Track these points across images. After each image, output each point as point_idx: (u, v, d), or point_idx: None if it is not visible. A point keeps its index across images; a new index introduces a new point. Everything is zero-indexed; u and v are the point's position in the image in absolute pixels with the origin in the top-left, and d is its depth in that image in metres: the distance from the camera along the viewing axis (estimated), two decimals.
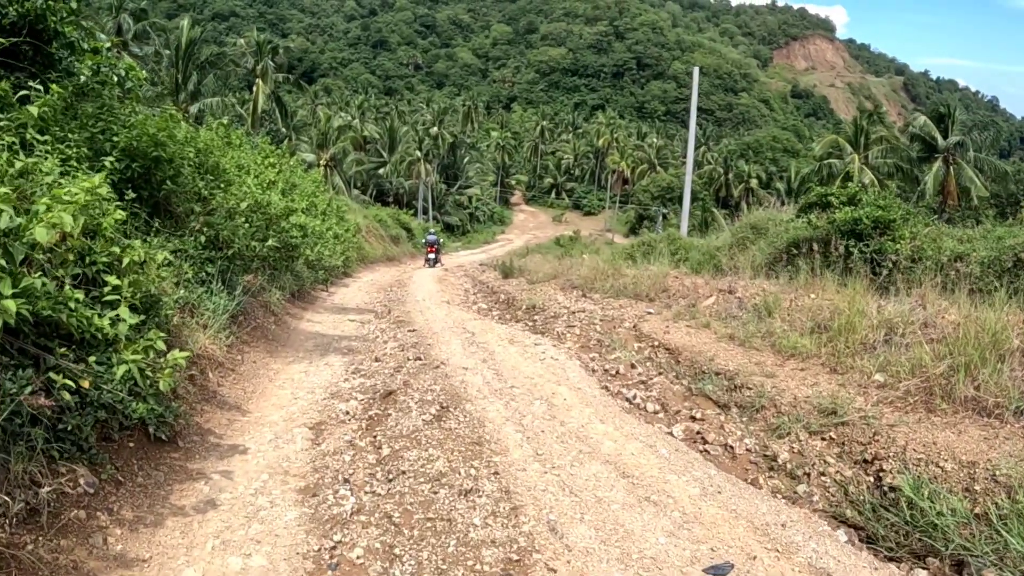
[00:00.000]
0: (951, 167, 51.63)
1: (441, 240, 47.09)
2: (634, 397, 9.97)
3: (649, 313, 15.05)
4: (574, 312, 16.01)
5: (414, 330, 14.88)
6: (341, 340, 14.16)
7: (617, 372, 11.18)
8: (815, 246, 16.86)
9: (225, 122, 21.75)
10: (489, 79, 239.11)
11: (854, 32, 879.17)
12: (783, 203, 28.11)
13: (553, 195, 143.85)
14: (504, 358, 11.98)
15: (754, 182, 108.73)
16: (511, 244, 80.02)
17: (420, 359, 11.76)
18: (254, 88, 68.98)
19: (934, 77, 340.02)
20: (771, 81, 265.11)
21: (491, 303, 21.11)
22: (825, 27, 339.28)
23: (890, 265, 15.10)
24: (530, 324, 16.03)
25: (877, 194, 19.31)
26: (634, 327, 13.74)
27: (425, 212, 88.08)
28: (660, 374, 11.08)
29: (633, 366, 11.43)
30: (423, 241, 46.18)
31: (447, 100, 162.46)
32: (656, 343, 12.37)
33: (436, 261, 40.71)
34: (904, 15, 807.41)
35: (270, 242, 14.31)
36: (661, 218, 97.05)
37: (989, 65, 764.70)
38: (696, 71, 42.01)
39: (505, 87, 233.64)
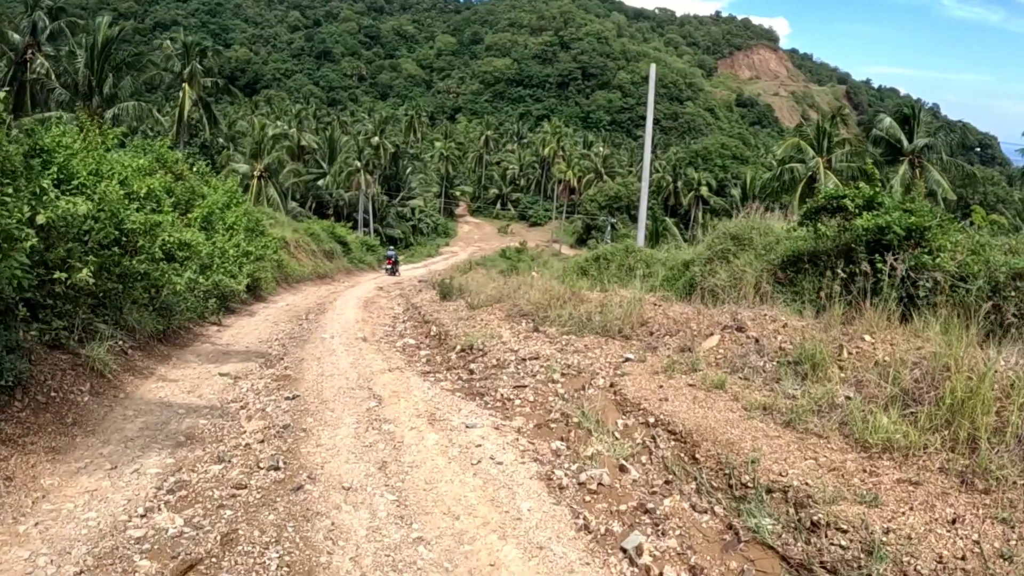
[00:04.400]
0: (917, 169, 48.85)
1: (399, 256, 55.78)
2: (639, 552, 5.65)
3: (628, 360, 10.85)
4: (525, 359, 11.71)
5: (296, 396, 10.46)
6: (187, 416, 9.62)
7: (599, 485, 6.84)
8: (826, 261, 12.99)
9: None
10: (433, 90, 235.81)
11: (797, 42, 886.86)
12: (768, 209, 24.29)
13: (499, 206, 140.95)
14: (416, 460, 7.62)
15: (704, 190, 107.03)
16: (456, 257, 75.83)
17: (278, 467, 7.41)
18: (180, 93, 64.36)
19: (876, 85, 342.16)
20: (716, 90, 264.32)
21: (420, 338, 16.79)
22: (768, 37, 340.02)
23: (930, 285, 11.13)
24: (464, 378, 11.65)
25: (903, 196, 15.60)
26: (611, 386, 9.51)
27: (366, 224, 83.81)
28: (668, 483, 6.87)
29: (623, 468, 7.19)
30: (384, 255, 55.95)
31: (390, 110, 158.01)
32: (652, 419, 8.11)
33: (394, 271, 49.00)
34: (845, 26, 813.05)
35: (83, 272, 9.93)
36: (610, 228, 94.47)
37: (929, 73, 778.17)
38: (653, 68, 38.17)
39: (450, 98, 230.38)
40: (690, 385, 9.09)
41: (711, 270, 16.16)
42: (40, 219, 9.29)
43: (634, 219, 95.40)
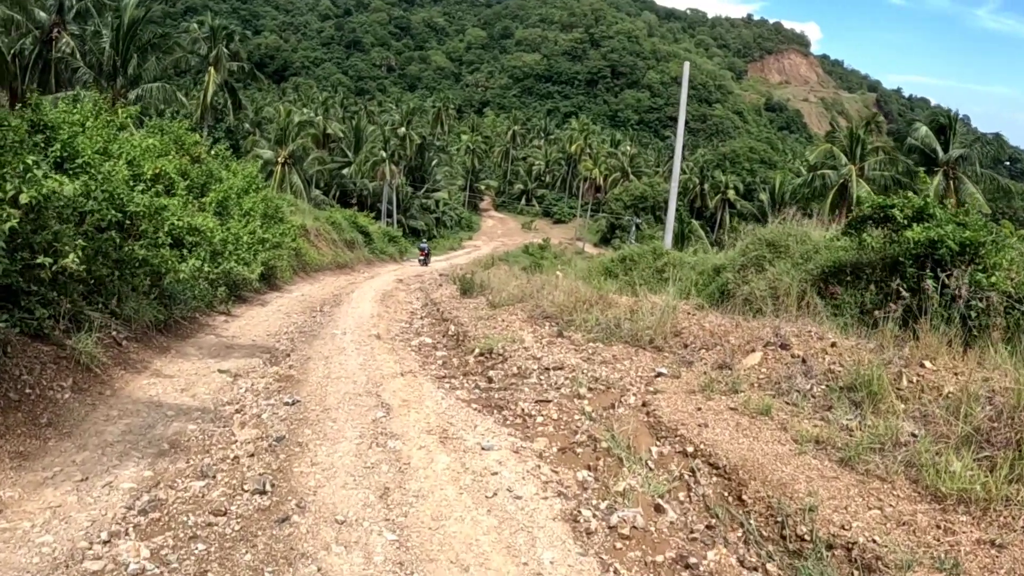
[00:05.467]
0: (951, 181, 47.46)
1: (430, 248, 59.91)
2: None
3: (661, 375, 9.97)
4: (548, 368, 10.82)
5: (296, 401, 9.56)
6: (175, 419, 8.72)
7: (633, 529, 5.92)
8: (870, 274, 12.11)
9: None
10: (462, 83, 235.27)
11: (828, 48, 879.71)
12: (806, 215, 23.34)
13: (523, 201, 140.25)
14: (423, 488, 6.71)
15: (731, 193, 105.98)
16: (478, 251, 75.02)
17: (264, 491, 6.53)
18: (205, 76, 63.87)
19: (906, 95, 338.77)
20: (745, 93, 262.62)
21: (437, 337, 15.91)
22: (800, 42, 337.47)
23: (983, 306, 10.20)
24: (482, 387, 10.73)
25: (956, 208, 14.68)
26: (644, 406, 8.60)
27: (389, 215, 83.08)
28: (711, 528, 5.97)
29: (659, 508, 6.28)
30: (418, 247, 59.82)
31: (418, 102, 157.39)
32: (691, 448, 7.19)
33: (426, 262, 52.87)
34: (877, 33, 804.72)
35: (70, 258, 9.11)
36: (634, 228, 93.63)
37: (958, 84, 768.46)
38: (687, 66, 37.11)
39: (478, 91, 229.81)
40: (731, 409, 8.17)
41: (744, 278, 15.30)
42: (23, 198, 8.48)
43: (659, 220, 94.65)
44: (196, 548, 5.48)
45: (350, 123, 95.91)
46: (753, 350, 10.05)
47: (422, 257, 54.66)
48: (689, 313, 12.77)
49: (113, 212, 12.07)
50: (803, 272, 13.45)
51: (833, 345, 9.51)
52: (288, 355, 13.09)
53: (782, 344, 9.93)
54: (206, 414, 9.04)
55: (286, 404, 9.39)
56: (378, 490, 6.61)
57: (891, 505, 5.80)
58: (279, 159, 64.00)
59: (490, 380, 11.00)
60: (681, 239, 69.16)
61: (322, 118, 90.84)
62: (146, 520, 6.00)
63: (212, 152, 27.54)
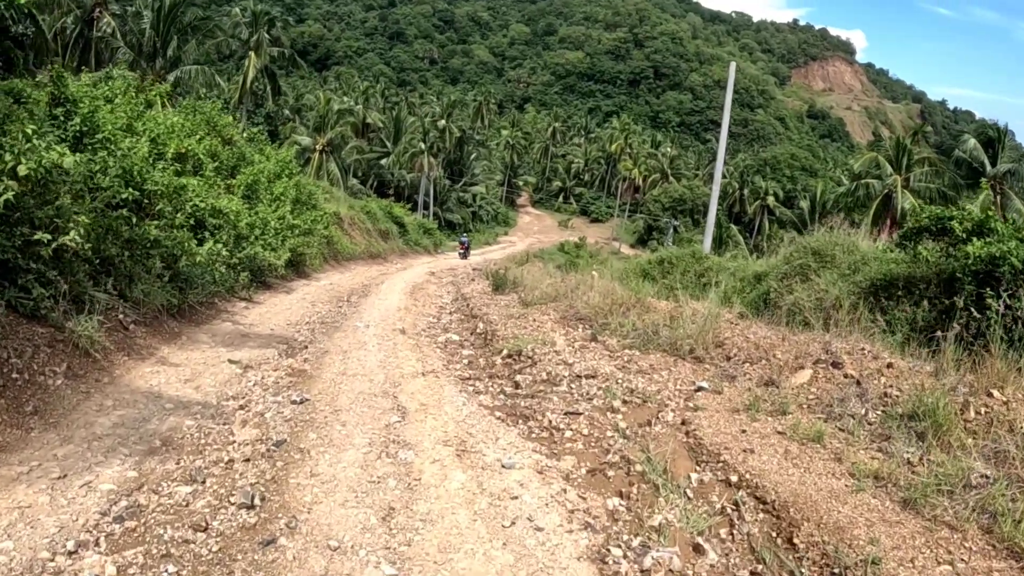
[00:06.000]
0: (999, 196, 46.00)
1: (470, 241, 61.10)
2: None
3: (701, 389, 9.19)
4: (580, 376, 10.04)
5: (305, 399, 8.84)
6: (173, 413, 8.03)
7: (669, 573, 5.12)
8: (923, 289, 11.32)
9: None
10: (504, 78, 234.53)
11: (873, 56, 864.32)
12: (853, 224, 22.47)
13: (561, 199, 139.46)
14: (432, 511, 5.98)
15: (771, 199, 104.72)
16: (513, 247, 74.36)
17: (252, 505, 5.82)
18: (246, 61, 63.73)
19: (951, 107, 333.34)
20: (788, 99, 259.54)
21: (464, 334, 15.19)
22: (845, 49, 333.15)
23: None
24: (508, 392, 9.94)
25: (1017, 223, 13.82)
26: (683, 424, 7.83)
27: (426, 207, 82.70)
28: (756, 575, 5.21)
29: (698, 548, 5.51)
30: (459, 240, 60.33)
31: (459, 95, 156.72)
32: (735, 477, 6.40)
33: (466, 255, 52.83)
34: (923, 43, 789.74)
35: (72, 235, 8.51)
36: (672, 230, 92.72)
37: (1003, 98, 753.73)
38: (733, 66, 36.18)
39: (520, 87, 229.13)
40: (779, 432, 7.39)
41: (788, 287, 14.53)
42: (22, 170, 7.88)
43: (697, 223, 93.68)
44: (166, 570, 4.79)
45: (390, 114, 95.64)
46: (802, 367, 9.26)
47: (462, 250, 54.44)
48: (732, 323, 12.00)
49: (129, 190, 11.56)
50: (851, 284, 12.69)
51: (889, 366, 8.71)
52: (305, 347, 12.42)
53: (833, 362, 9.14)
54: (207, 409, 8.36)
55: (293, 402, 8.67)
56: (381, 510, 5.87)
57: (963, 560, 5.03)
58: (317, 146, 63.91)
59: (517, 385, 10.24)
60: (719, 244, 68.15)
61: (362, 107, 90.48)
62: (120, 529, 5.34)
63: (244, 134, 27.10)
